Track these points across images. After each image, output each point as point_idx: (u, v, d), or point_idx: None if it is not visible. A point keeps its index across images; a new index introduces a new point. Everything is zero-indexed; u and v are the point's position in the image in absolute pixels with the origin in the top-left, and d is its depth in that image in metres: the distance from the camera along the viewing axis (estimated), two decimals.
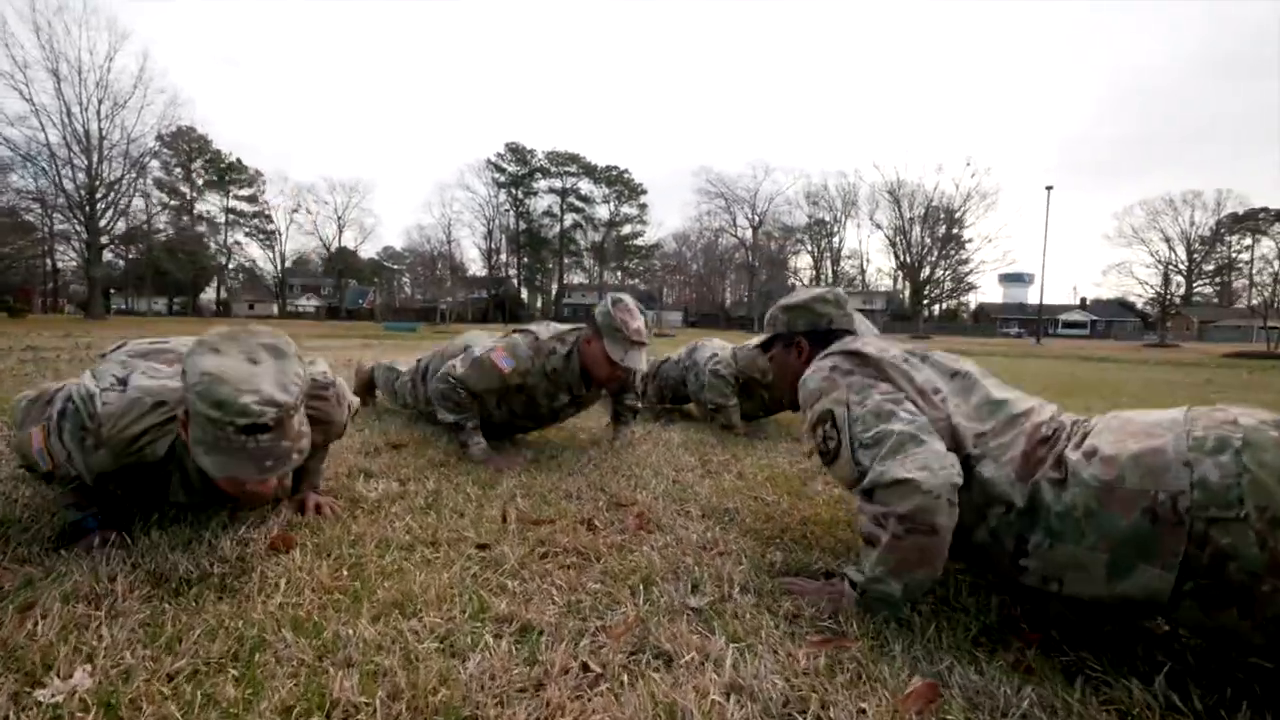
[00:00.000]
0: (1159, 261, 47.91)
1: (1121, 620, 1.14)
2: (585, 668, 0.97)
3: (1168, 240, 47.63)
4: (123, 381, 1.34)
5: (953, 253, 54.66)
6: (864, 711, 0.87)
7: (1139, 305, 55.84)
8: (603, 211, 62.13)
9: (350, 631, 1.02)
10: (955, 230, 52.74)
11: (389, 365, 3.32)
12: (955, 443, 1.17)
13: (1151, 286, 48.90)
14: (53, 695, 0.83)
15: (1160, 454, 0.97)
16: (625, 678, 0.94)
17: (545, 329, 2.44)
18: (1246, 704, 0.91)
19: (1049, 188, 31.30)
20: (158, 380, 1.35)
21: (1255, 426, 0.95)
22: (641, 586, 1.26)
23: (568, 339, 2.43)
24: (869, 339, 1.41)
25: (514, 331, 2.45)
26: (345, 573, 1.27)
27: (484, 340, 2.54)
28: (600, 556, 1.42)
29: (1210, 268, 50.59)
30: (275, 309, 53.43)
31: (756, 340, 1.72)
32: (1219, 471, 0.92)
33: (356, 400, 1.86)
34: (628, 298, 2.35)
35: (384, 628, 1.05)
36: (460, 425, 2.31)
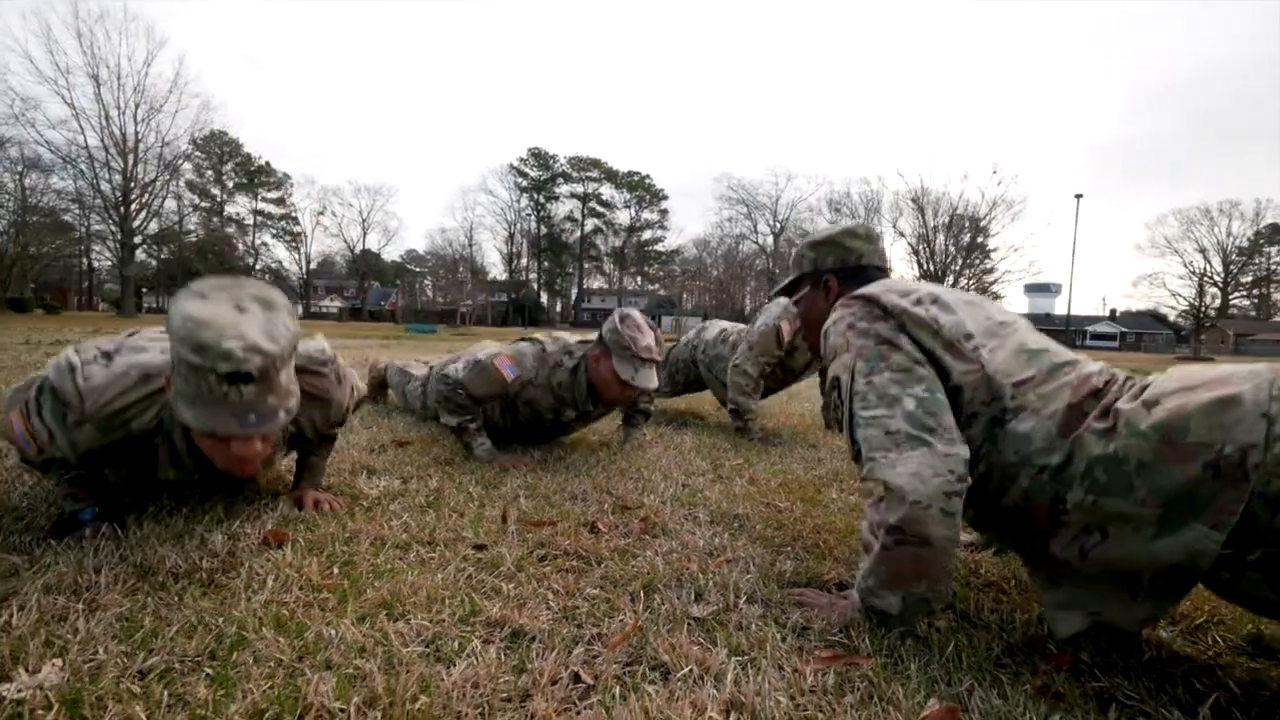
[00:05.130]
0: (1193, 273, 46.58)
1: (1160, 595, 0.96)
2: (576, 678, 0.91)
3: (1203, 251, 46.30)
4: (108, 355, 1.31)
5: (977, 262, 53.67)
6: None
7: (1171, 317, 54.38)
8: (623, 217, 62.37)
9: (333, 632, 0.98)
10: (980, 239, 51.81)
11: (402, 368, 3.30)
12: (991, 394, 1.07)
13: (1185, 298, 47.55)
14: (18, 690, 0.79)
15: (1235, 403, 0.86)
16: (618, 690, 0.88)
17: (553, 341, 2.37)
18: None
19: (1078, 196, 30.63)
20: (146, 354, 1.33)
21: None
22: (642, 593, 1.20)
23: (575, 353, 2.36)
24: (896, 283, 1.27)
25: (522, 339, 2.40)
26: (335, 571, 1.23)
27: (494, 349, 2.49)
28: (601, 561, 1.36)
29: (1248, 279, 49.10)
30: (300, 309, 54.32)
31: (779, 287, 1.56)
32: None
33: (363, 386, 1.82)
34: (636, 313, 2.28)
35: (369, 629, 1.00)
36: (463, 428, 2.25)
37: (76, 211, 35.29)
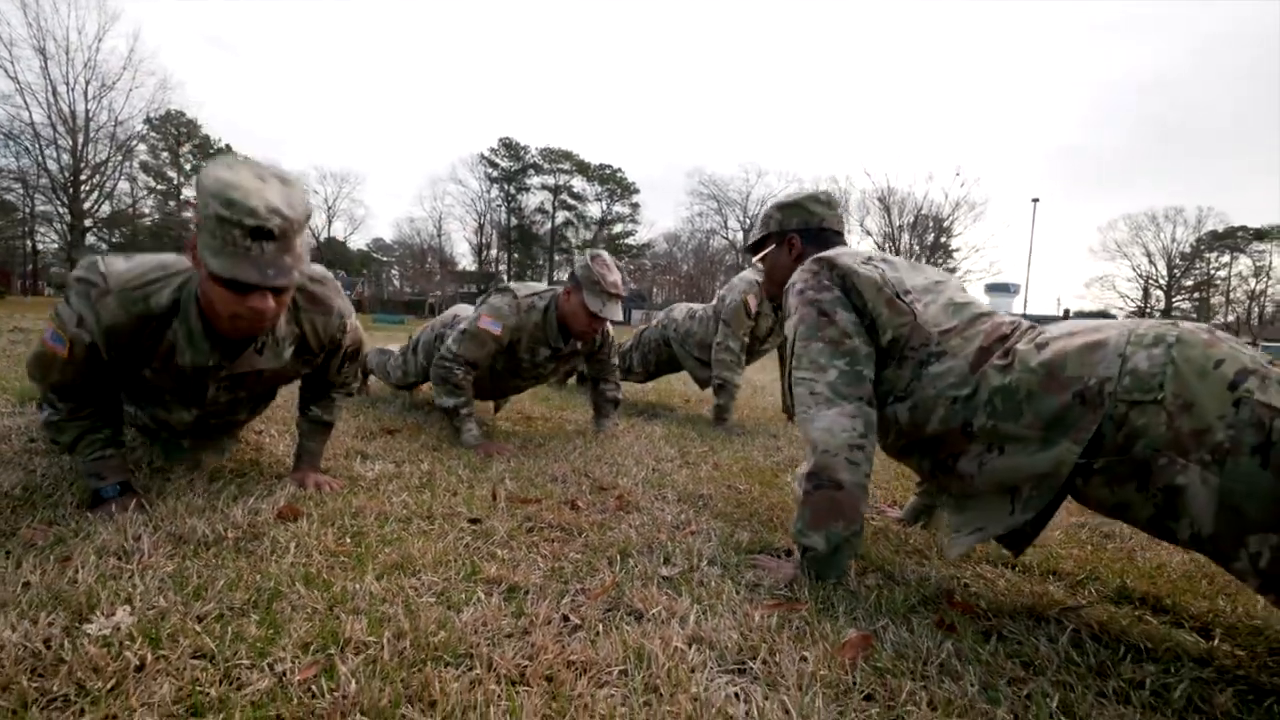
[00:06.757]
0: (1140, 275, 48.82)
1: (1029, 508, 1.16)
2: (565, 619, 1.10)
3: (1149, 255, 48.53)
4: (129, 256, 1.47)
5: (940, 261, 55.10)
6: (805, 658, 1.01)
7: (1120, 318, 56.76)
8: (595, 210, 62.07)
9: (357, 586, 1.15)
10: (944, 239, 53.21)
11: (380, 349, 3.48)
12: (921, 340, 1.30)
13: (1132, 300, 49.76)
14: (100, 629, 0.95)
15: (1101, 346, 1.10)
16: (601, 628, 1.07)
17: (523, 287, 2.60)
18: (1131, 657, 1.06)
19: (1035, 200, 31.91)
20: (164, 255, 1.50)
21: (1191, 329, 1.08)
22: (619, 557, 1.39)
23: (544, 295, 2.61)
24: (854, 250, 1.45)
25: (493, 292, 2.60)
26: (348, 540, 1.39)
27: (469, 311, 2.72)
28: (582, 532, 1.55)
29: (1189, 283, 51.57)
30: None
31: (749, 243, 1.74)
32: (1149, 361, 1.04)
33: (366, 344, 1.94)
34: (605, 253, 2.52)
35: (387, 584, 1.18)
36: (456, 410, 2.44)
37: (19, 191, 33.64)
